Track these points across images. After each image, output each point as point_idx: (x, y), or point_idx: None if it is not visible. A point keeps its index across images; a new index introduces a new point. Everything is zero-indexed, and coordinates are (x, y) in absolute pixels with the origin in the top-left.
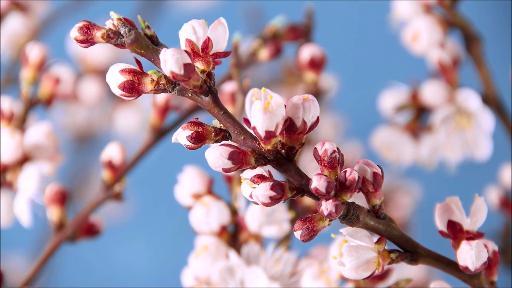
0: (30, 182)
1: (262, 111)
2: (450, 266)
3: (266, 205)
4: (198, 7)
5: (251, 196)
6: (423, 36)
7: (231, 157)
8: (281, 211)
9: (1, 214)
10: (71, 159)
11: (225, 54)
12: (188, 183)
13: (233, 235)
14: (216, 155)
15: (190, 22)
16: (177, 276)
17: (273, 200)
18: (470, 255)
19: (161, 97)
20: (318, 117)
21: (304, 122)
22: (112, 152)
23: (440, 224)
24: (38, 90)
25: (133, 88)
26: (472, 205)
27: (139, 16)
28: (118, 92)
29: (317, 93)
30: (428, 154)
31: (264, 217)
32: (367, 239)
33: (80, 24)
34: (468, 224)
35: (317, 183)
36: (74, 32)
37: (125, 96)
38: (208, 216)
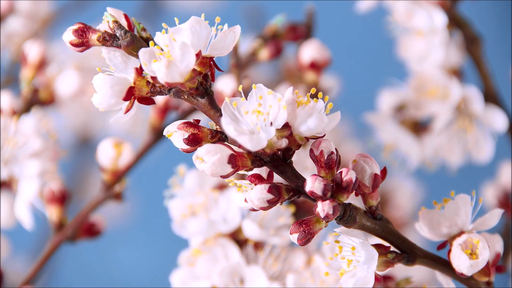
0: (31, 187)
1: (249, 139)
2: (447, 267)
3: (263, 209)
4: (198, 7)
5: (245, 200)
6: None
7: (230, 161)
8: (282, 216)
9: (2, 216)
10: (71, 159)
11: (218, 68)
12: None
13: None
14: (213, 161)
15: (191, 21)
16: None
17: (271, 203)
18: (463, 261)
19: (161, 97)
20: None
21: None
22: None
23: (433, 236)
24: (39, 90)
25: (130, 94)
26: (489, 212)
27: (133, 18)
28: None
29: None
30: (430, 155)
31: (263, 230)
32: (363, 236)
33: (75, 27)
34: (469, 226)
35: (312, 185)
36: (69, 36)
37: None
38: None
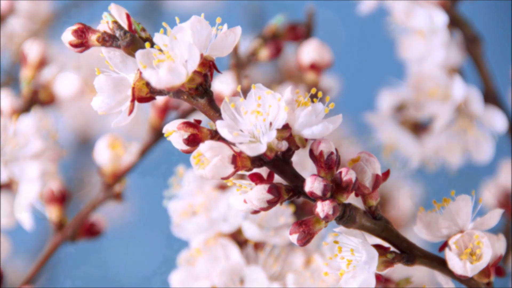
0: (32, 189)
1: (247, 147)
2: (447, 267)
3: (263, 209)
4: (199, 7)
5: (245, 201)
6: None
7: (232, 161)
8: (282, 215)
9: (2, 216)
10: (71, 159)
11: (217, 69)
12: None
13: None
14: (216, 163)
15: (192, 21)
16: None
17: (270, 204)
18: (456, 263)
19: (161, 97)
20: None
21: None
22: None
23: (432, 237)
24: (38, 90)
25: (132, 95)
26: (489, 212)
27: (132, 18)
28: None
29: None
30: (430, 155)
31: (263, 230)
32: (362, 236)
33: (75, 27)
34: (469, 226)
35: (312, 185)
36: (68, 36)
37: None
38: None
